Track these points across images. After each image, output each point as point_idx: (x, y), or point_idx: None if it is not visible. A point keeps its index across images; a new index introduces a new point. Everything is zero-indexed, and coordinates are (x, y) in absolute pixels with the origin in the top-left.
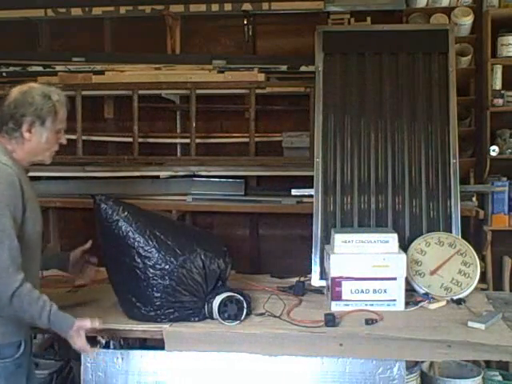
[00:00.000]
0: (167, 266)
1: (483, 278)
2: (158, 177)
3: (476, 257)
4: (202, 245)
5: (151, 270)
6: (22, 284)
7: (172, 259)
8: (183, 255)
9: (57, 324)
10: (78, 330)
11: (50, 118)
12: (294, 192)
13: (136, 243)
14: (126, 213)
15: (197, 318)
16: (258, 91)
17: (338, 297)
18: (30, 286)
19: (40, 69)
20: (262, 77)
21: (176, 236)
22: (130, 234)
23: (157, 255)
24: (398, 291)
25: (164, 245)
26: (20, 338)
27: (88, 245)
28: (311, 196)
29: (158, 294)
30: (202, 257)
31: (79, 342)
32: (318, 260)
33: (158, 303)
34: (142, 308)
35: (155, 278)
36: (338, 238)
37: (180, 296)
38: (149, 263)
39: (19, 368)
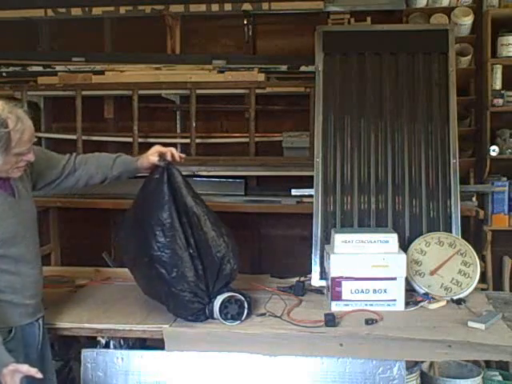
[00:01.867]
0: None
1: (483, 278)
2: None
3: (476, 257)
4: (232, 253)
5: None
6: None
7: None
8: (211, 255)
9: None
10: (13, 372)
11: (2, 146)
12: (293, 192)
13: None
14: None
15: (198, 319)
16: (258, 91)
17: (337, 297)
18: None
19: (40, 69)
20: (261, 77)
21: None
22: (195, 209)
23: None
24: (397, 291)
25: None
26: (9, 325)
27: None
28: (311, 196)
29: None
30: (229, 264)
31: None
32: (317, 260)
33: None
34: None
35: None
36: (338, 238)
37: (195, 281)
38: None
39: (10, 353)
